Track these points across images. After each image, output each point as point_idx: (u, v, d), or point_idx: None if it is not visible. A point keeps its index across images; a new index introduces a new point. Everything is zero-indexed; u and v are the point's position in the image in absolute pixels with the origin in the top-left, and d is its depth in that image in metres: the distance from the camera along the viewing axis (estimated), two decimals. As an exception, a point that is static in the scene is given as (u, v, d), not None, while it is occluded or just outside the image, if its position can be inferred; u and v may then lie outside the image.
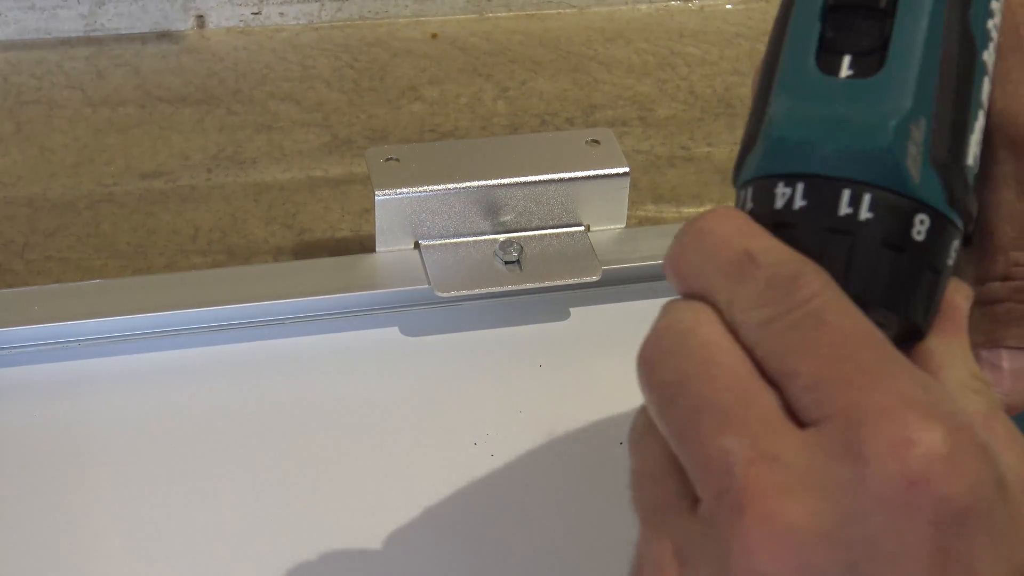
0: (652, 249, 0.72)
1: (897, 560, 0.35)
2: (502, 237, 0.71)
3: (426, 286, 0.69)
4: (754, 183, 0.44)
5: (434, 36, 0.93)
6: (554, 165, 0.71)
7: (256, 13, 0.92)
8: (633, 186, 0.72)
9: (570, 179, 0.71)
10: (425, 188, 0.69)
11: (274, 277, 0.70)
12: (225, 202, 0.78)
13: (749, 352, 0.39)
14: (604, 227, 0.72)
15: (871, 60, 0.43)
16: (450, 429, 0.64)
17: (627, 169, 0.71)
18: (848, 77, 0.43)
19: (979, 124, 0.44)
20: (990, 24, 0.45)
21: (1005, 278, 0.47)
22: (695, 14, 0.94)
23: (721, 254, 0.41)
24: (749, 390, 0.38)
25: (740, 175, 0.45)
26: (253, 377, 0.67)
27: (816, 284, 0.39)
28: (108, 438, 0.63)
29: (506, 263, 0.70)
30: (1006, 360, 0.47)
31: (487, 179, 0.70)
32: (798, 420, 0.38)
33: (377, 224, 0.70)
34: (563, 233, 0.71)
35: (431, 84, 0.88)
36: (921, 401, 0.36)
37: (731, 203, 0.82)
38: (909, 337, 0.42)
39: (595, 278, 0.70)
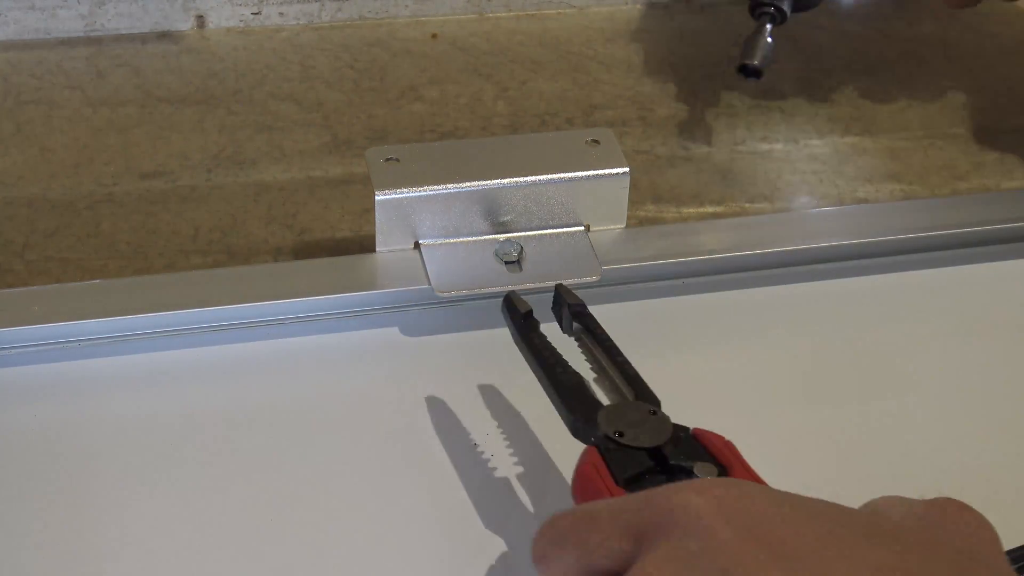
0: (652, 249, 0.72)
1: None
2: (502, 237, 0.71)
3: (426, 286, 0.69)
4: None
5: (434, 36, 0.93)
6: (554, 165, 0.71)
7: (256, 13, 0.92)
8: (633, 186, 0.72)
9: (570, 179, 0.71)
10: (425, 188, 0.69)
11: (274, 277, 0.70)
12: (225, 202, 0.78)
13: None
14: (604, 227, 0.72)
15: None
16: (450, 429, 0.64)
17: (627, 169, 0.71)
18: None
19: None
20: None
21: None
22: (695, 14, 0.94)
23: None
24: None
25: None
26: (253, 377, 0.67)
27: None
28: (108, 438, 0.63)
29: (506, 263, 0.70)
30: None
31: (487, 179, 0.70)
32: None
33: (377, 224, 0.70)
34: (563, 233, 0.71)
35: (431, 84, 0.88)
36: None
37: (730, 203, 0.83)
38: None
39: (595, 278, 0.70)
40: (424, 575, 0.59)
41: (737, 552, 0.43)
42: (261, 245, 0.75)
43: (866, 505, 0.49)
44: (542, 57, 0.91)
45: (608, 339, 0.62)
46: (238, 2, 0.91)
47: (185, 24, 0.91)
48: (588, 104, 0.87)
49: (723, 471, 0.54)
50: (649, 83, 0.89)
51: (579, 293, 0.71)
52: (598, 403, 0.58)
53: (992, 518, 0.61)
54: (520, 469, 0.63)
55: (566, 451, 0.64)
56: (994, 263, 0.74)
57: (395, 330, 0.69)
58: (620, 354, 0.61)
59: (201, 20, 0.91)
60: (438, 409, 0.65)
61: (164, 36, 0.91)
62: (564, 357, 0.61)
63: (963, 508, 0.48)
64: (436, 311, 0.70)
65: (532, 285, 0.69)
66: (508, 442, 0.64)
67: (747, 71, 0.79)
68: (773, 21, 0.80)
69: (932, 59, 0.91)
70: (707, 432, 0.56)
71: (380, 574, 0.59)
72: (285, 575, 0.59)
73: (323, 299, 0.69)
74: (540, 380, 0.61)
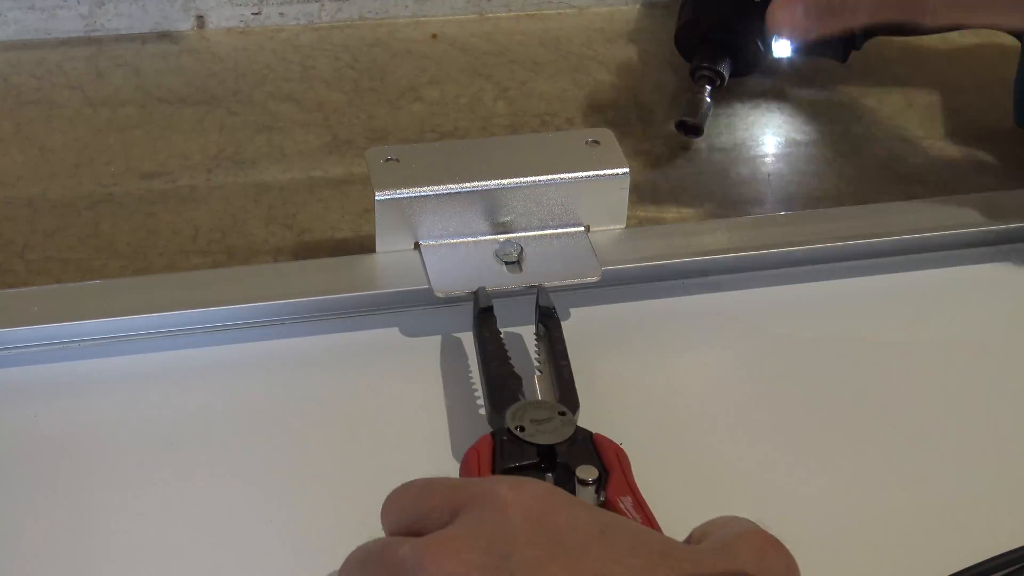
0: (652, 249, 0.72)
1: None
2: (502, 237, 0.71)
3: (426, 286, 0.69)
4: None
5: (434, 36, 0.93)
6: (554, 165, 0.71)
7: (256, 13, 0.92)
8: (633, 186, 0.72)
9: (570, 179, 0.71)
10: (425, 188, 0.69)
11: (274, 277, 0.70)
12: (225, 202, 0.78)
13: None
14: (604, 227, 0.72)
15: None
16: (450, 429, 0.64)
17: (627, 169, 0.71)
18: None
19: None
20: None
21: None
22: (695, 14, 0.94)
23: None
24: None
25: None
26: (253, 377, 0.67)
27: None
28: (108, 438, 0.63)
29: (506, 263, 0.70)
30: None
31: (487, 179, 0.70)
32: None
33: (377, 224, 0.70)
34: (563, 233, 0.71)
35: (431, 84, 0.88)
36: None
37: (729, 203, 0.82)
38: None
39: (595, 278, 0.70)
40: (424, 575, 0.59)
41: (519, 533, 0.48)
42: (261, 245, 0.75)
43: (709, 522, 0.53)
44: (542, 57, 0.91)
45: (561, 342, 0.65)
46: (238, 2, 0.91)
47: (185, 24, 0.91)
48: (588, 104, 0.87)
49: (604, 475, 0.57)
50: (649, 83, 0.89)
51: (579, 293, 0.71)
52: (517, 398, 0.61)
53: (992, 518, 0.61)
54: (520, 469, 0.63)
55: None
56: (994, 263, 0.74)
57: (395, 330, 0.69)
58: (565, 358, 0.64)
59: (201, 20, 0.91)
60: (438, 409, 0.65)
61: (164, 36, 0.91)
62: (509, 354, 0.64)
63: (767, 543, 0.51)
64: (436, 311, 0.70)
65: (532, 285, 0.69)
66: (508, 442, 0.64)
67: (686, 128, 0.83)
68: (712, 84, 0.84)
69: (932, 59, 0.91)
70: (604, 439, 0.59)
71: (380, 574, 0.59)
72: (285, 574, 0.59)
73: (323, 299, 0.69)
74: (479, 369, 0.64)
